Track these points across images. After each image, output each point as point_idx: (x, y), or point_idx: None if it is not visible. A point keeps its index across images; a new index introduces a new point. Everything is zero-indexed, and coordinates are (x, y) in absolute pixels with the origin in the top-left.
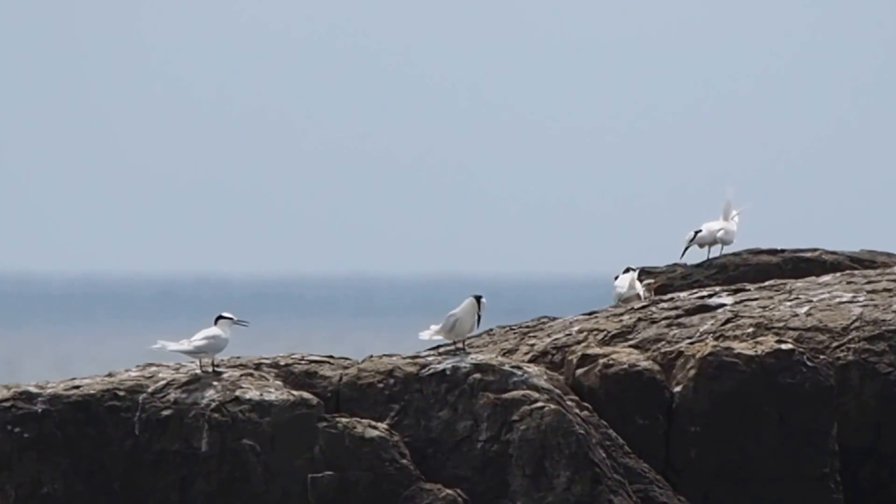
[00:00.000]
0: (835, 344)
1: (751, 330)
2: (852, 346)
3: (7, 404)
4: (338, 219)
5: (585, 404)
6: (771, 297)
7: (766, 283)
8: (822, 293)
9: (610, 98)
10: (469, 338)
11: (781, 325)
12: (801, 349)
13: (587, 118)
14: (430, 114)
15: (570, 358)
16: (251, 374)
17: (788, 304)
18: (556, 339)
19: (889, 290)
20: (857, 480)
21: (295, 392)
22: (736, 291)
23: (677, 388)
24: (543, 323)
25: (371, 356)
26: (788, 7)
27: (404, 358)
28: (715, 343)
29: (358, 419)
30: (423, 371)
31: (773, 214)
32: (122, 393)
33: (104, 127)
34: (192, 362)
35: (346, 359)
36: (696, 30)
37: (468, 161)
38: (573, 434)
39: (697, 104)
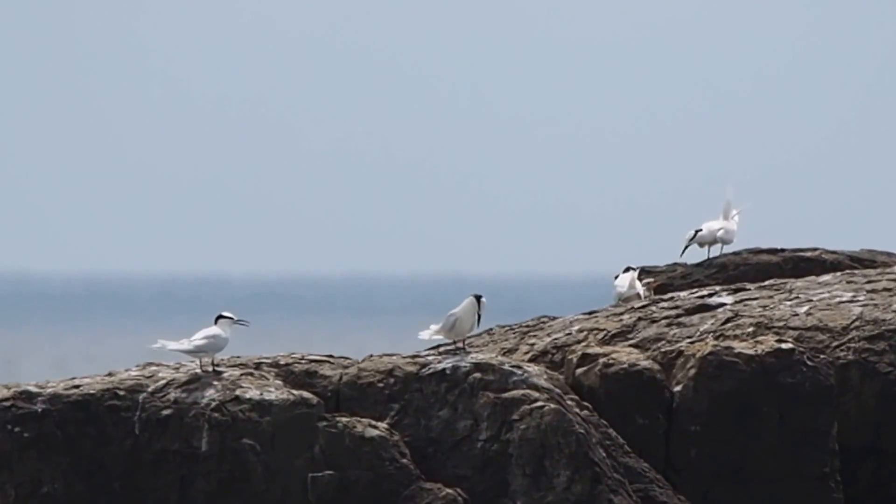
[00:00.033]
0: (835, 343)
1: (751, 329)
2: (852, 345)
3: (7, 404)
4: (338, 219)
5: (585, 404)
6: (771, 297)
7: (767, 283)
8: (823, 293)
9: (610, 98)
10: (469, 337)
11: (781, 324)
12: (801, 349)
13: (587, 118)
14: (430, 114)
15: (570, 357)
16: (251, 374)
17: (788, 303)
18: (556, 339)
19: (889, 290)
20: (857, 480)
21: (295, 391)
22: (736, 291)
23: (677, 388)
24: (543, 322)
25: (371, 356)
26: (788, 7)
27: (404, 357)
28: (715, 342)
29: (358, 418)
30: (423, 370)
31: (772, 214)
32: (122, 392)
33: (104, 126)
34: (192, 362)
35: (346, 358)
36: (696, 30)
37: (468, 161)
38: (573, 433)
39: (697, 104)
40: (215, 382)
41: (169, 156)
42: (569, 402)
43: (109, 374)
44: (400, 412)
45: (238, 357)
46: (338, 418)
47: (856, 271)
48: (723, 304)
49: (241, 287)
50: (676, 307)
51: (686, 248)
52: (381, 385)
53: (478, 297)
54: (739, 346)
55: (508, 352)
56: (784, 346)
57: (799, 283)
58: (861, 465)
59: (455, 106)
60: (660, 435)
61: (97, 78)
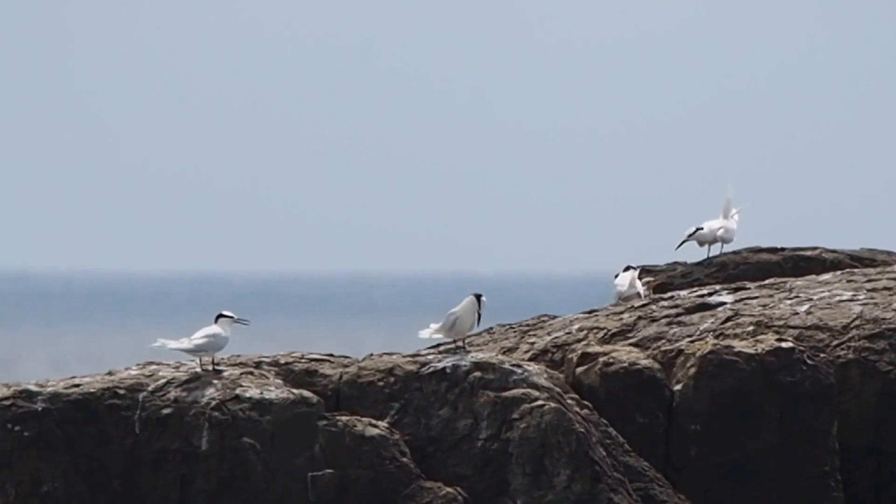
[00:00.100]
0: (835, 342)
1: (751, 328)
2: (852, 344)
3: (7, 403)
4: (338, 219)
5: (585, 402)
6: (771, 296)
7: (767, 282)
8: (823, 291)
9: (610, 98)
10: (469, 336)
11: (781, 323)
12: (801, 347)
13: (587, 118)
14: (430, 114)
15: (570, 356)
16: (251, 373)
17: (788, 302)
18: (556, 338)
19: (889, 289)
20: (857, 479)
21: (295, 390)
22: (736, 290)
23: (677, 387)
24: (543, 321)
25: (371, 354)
26: (788, 7)
27: (404, 356)
28: (715, 341)
29: (358, 417)
30: (423, 369)
31: (772, 213)
32: (122, 391)
33: (104, 126)
34: (192, 361)
35: (347, 357)
36: (696, 30)
37: (468, 161)
38: (573, 432)
39: (697, 104)
40: (215, 381)
41: (169, 155)
42: (569, 401)
43: (109, 373)
44: (400, 411)
45: (238, 356)
46: (338, 417)
47: (856, 270)
48: (723, 303)
49: (242, 286)
50: (676, 306)
51: (683, 242)
52: (381, 384)
53: (478, 296)
54: (739, 345)
55: (508, 351)
56: (784, 344)
57: (799, 281)
58: (861, 465)
59: (455, 106)
60: (660, 434)
61: (97, 77)
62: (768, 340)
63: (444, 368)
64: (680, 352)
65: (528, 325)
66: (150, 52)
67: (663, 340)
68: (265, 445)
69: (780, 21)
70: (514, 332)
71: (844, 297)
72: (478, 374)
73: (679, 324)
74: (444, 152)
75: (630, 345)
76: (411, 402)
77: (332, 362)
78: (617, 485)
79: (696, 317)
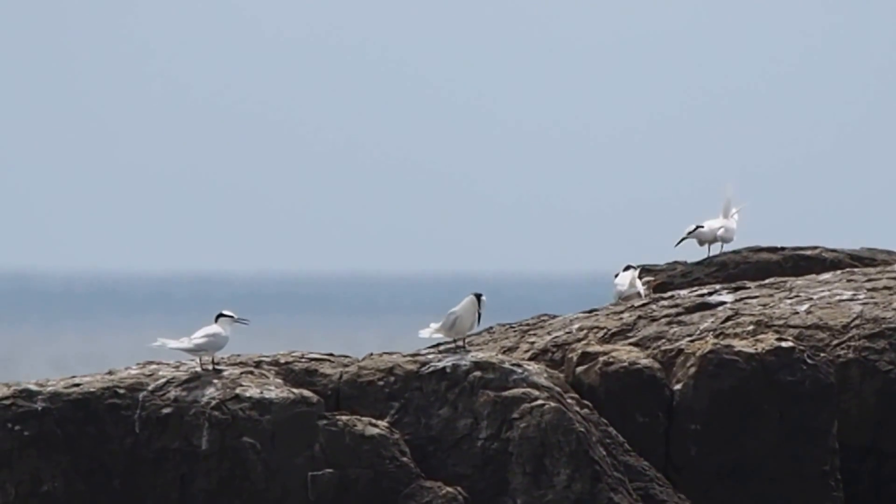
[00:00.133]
0: (835, 342)
1: (751, 328)
2: (852, 343)
3: (7, 402)
4: (338, 219)
5: (585, 402)
6: (771, 295)
7: (767, 281)
8: (823, 291)
9: (610, 97)
10: (469, 336)
11: (782, 322)
12: (801, 347)
13: (587, 117)
14: (430, 114)
15: (570, 356)
16: (251, 372)
17: (788, 301)
18: (556, 337)
19: (889, 288)
20: (857, 478)
21: (295, 390)
22: (736, 289)
23: (677, 386)
24: (543, 321)
25: (371, 354)
26: (789, 7)
27: (404, 356)
28: (715, 341)
29: (358, 417)
30: (423, 369)
31: (772, 212)
32: (122, 391)
33: (104, 125)
34: (192, 360)
35: (347, 357)
36: (696, 30)
37: (468, 161)
38: (573, 432)
39: (697, 104)
40: (215, 381)
41: (169, 155)
42: (569, 401)
43: (109, 373)
44: (400, 410)
45: (238, 355)
46: (338, 417)
47: (856, 269)
48: (723, 303)
49: (242, 285)
50: (676, 305)
51: (683, 239)
52: (381, 383)
53: (478, 296)
54: (739, 345)
55: (508, 350)
56: (784, 344)
57: (799, 281)
58: (861, 464)
59: (455, 106)
60: (660, 433)
61: (97, 77)
62: (768, 340)
63: (444, 368)
64: (680, 351)
65: (528, 325)
66: (150, 52)
67: (663, 340)
68: (265, 445)
69: (780, 21)
70: (514, 331)
71: (844, 297)
72: (478, 373)
73: (679, 323)
74: (444, 152)
75: (630, 344)
76: (411, 401)
77: (332, 362)
78: (617, 484)
79: (696, 316)
